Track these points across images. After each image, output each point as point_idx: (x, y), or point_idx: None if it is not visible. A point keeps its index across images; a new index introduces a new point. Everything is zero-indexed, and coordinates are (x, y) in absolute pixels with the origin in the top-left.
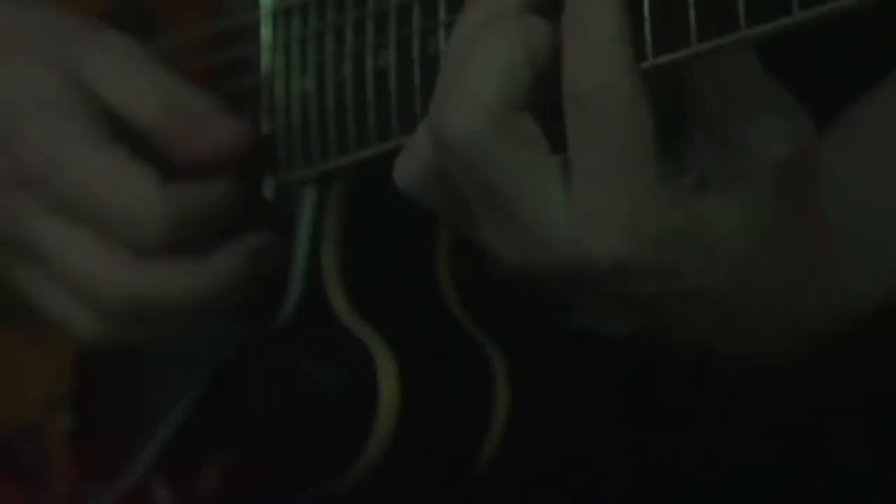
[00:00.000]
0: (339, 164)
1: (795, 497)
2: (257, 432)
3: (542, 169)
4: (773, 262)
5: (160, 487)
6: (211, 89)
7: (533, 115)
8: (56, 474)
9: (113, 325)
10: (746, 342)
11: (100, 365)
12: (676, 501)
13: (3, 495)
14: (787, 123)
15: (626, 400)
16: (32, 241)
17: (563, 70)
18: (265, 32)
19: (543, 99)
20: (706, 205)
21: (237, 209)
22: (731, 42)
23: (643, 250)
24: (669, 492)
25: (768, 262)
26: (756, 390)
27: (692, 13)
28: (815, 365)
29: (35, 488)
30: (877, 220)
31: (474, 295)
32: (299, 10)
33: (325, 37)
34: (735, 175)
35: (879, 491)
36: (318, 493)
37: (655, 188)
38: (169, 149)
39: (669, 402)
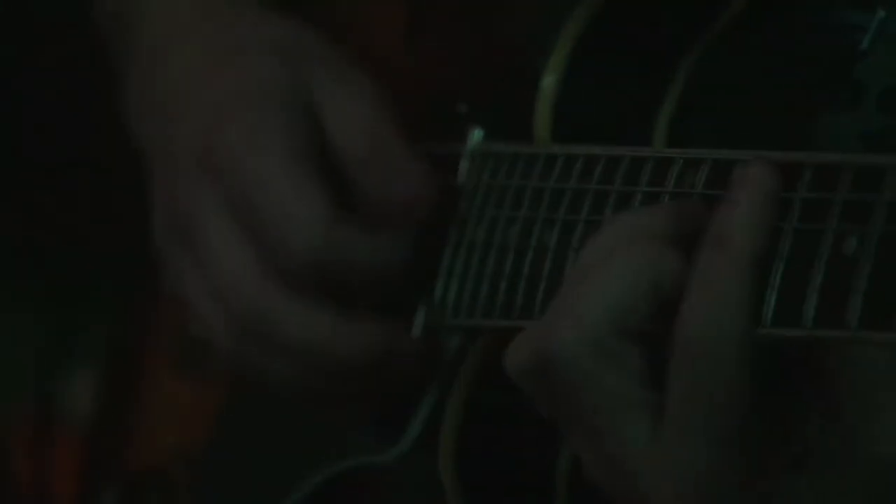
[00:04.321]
0: (493, 326)
1: None
2: None
3: (636, 403)
4: None
5: None
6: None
7: (641, 344)
8: None
9: (238, 341)
10: None
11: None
12: None
13: None
14: None
15: None
16: (195, 229)
17: (680, 313)
18: (464, 165)
19: (658, 332)
20: (796, 483)
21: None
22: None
23: None
24: None
25: None
26: None
27: (856, 303)
28: None
29: None
30: None
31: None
32: (493, 158)
33: (507, 193)
34: (837, 464)
35: None
36: None
37: (742, 458)
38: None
39: None
